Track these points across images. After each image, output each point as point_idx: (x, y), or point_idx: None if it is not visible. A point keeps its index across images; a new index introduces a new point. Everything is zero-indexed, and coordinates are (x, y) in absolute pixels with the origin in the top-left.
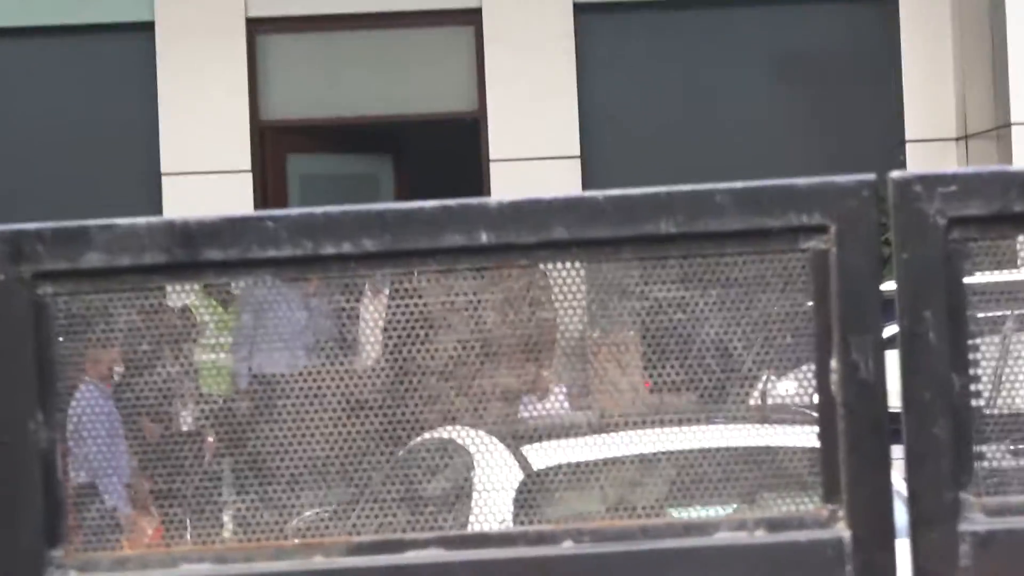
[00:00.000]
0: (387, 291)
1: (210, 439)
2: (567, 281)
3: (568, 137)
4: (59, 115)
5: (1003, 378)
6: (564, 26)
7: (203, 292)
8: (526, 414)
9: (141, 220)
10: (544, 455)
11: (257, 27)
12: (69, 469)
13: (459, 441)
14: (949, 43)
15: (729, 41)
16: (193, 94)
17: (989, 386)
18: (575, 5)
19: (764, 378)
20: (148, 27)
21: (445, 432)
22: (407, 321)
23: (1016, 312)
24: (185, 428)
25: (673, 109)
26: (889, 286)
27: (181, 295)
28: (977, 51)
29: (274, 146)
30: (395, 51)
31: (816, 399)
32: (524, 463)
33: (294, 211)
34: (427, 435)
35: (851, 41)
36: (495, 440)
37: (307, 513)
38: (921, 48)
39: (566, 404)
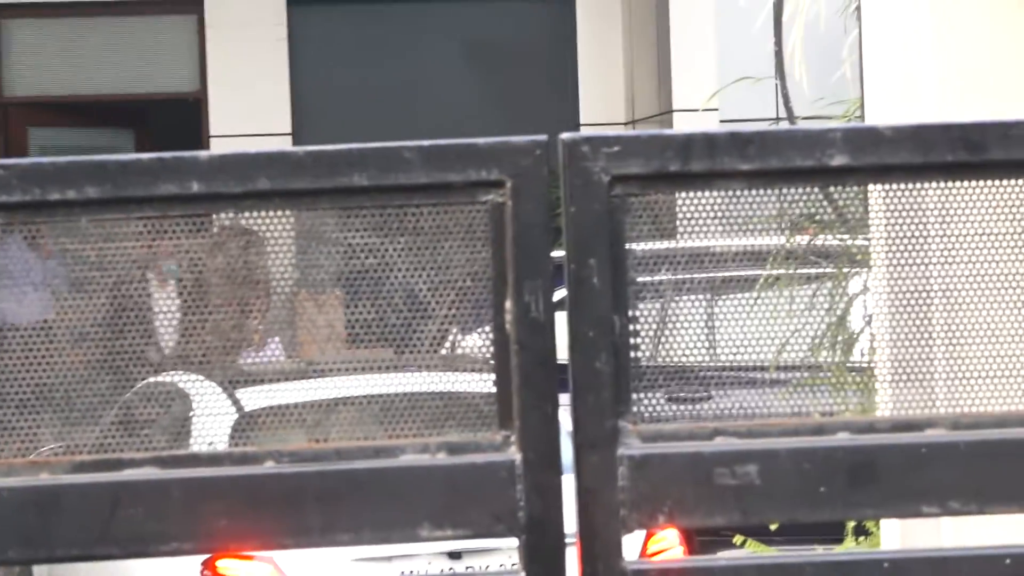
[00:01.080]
0: (173, 282)
1: None
2: (272, 231)
3: (280, 116)
4: None
5: (665, 321)
6: (278, 16)
7: None
8: (241, 361)
9: None
10: (255, 398)
11: (2, 12)
12: None
13: (180, 385)
14: (619, 37)
15: (427, 31)
16: None
17: (647, 327)
18: None
19: (451, 328)
20: None
21: (168, 377)
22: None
23: (672, 270)
24: None
25: (376, 91)
26: (560, 253)
27: None
28: (644, 44)
29: (16, 120)
30: (127, 36)
31: (492, 337)
32: (237, 404)
33: (25, 160)
34: (151, 379)
35: (534, 34)
36: (212, 384)
37: (44, 448)
38: (595, 41)
39: (279, 352)
